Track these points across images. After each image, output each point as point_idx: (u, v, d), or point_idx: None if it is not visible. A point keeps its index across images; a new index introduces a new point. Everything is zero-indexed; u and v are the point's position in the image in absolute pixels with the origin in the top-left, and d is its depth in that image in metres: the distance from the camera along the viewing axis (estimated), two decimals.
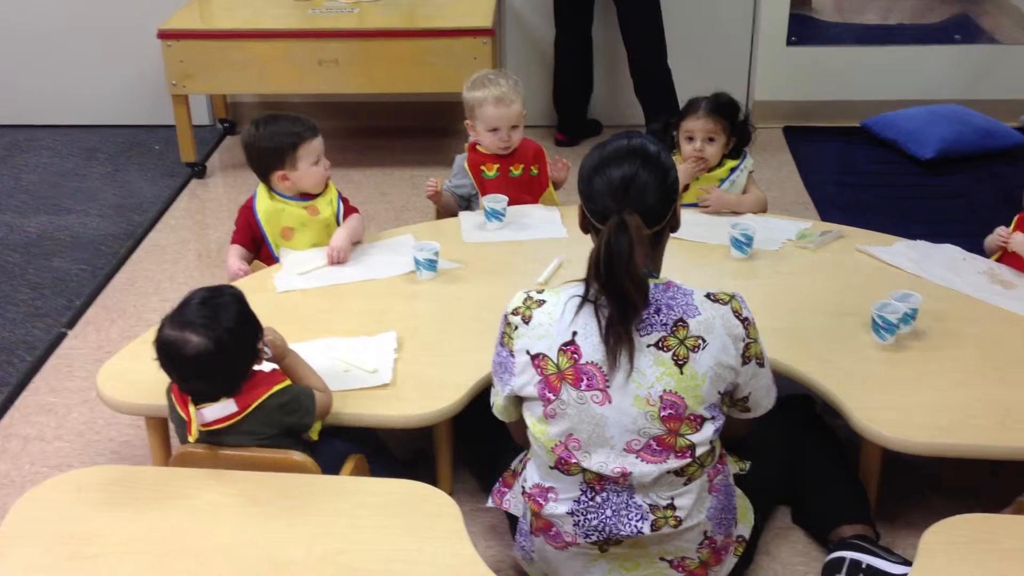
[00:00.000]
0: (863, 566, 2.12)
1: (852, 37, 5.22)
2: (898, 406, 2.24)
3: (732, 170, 3.17)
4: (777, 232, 3.01)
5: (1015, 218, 2.82)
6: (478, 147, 3.19)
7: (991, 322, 2.54)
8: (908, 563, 2.11)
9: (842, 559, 2.15)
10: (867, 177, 4.40)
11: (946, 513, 1.94)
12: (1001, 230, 2.82)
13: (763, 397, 2.07)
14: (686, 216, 3.08)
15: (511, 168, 3.18)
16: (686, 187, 3.12)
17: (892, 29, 5.40)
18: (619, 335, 1.87)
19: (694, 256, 2.88)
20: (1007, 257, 2.81)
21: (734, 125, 3.13)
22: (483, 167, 3.17)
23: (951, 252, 2.89)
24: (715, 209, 3.11)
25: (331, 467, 2.12)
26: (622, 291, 1.84)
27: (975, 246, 2.93)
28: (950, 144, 4.42)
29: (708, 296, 1.96)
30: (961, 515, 1.91)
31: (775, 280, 2.79)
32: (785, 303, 2.66)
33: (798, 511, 2.44)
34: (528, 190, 3.22)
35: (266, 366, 2.17)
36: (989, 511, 2.00)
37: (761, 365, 2.02)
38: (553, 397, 1.93)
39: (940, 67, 4.90)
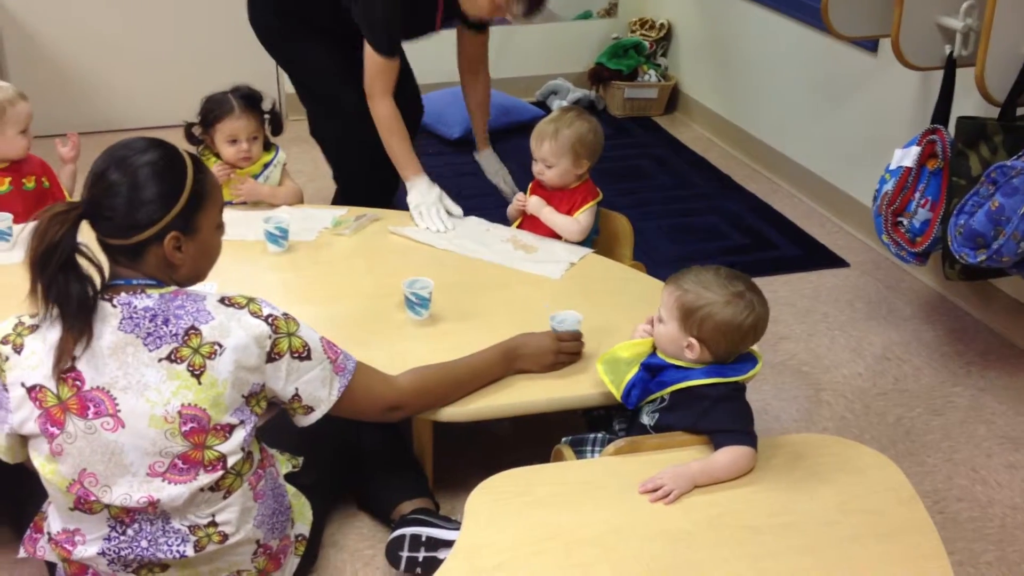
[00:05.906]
0: (423, 539, 2.15)
1: None
2: None
3: (265, 165, 3.13)
4: (313, 222, 2.99)
5: (530, 184, 3.01)
6: None
7: (517, 286, 2.68)
8: None
9: (403, 536, 2.16)
10: None
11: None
12: (519, 196, 2.99)
13: (318, 389, 1.90)
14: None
15: (24, 181, 2.93)
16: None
17: None
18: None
19: (231, 255, 2.76)
20: (527, 222, 2.98)
21: (263, 117, 3.08)
22: None
23: (476, 224, 3.02)
24: (248, 199, 3.05)
25: None
26: (65, 290, 1.69)
27: (503, 217, 3.09)
28: None
29: (222, 301, 1.82)
30: (502, 472, 1.98)
31: (314, 270, 2.77)
32: (325, 292, 2.65)
33: (361, 497, 2.44)
34: (43, 204, 2.96)
35: None
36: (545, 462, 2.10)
37: (305, 358, 1.87)
38: (58, 432, 1.74)
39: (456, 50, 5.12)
